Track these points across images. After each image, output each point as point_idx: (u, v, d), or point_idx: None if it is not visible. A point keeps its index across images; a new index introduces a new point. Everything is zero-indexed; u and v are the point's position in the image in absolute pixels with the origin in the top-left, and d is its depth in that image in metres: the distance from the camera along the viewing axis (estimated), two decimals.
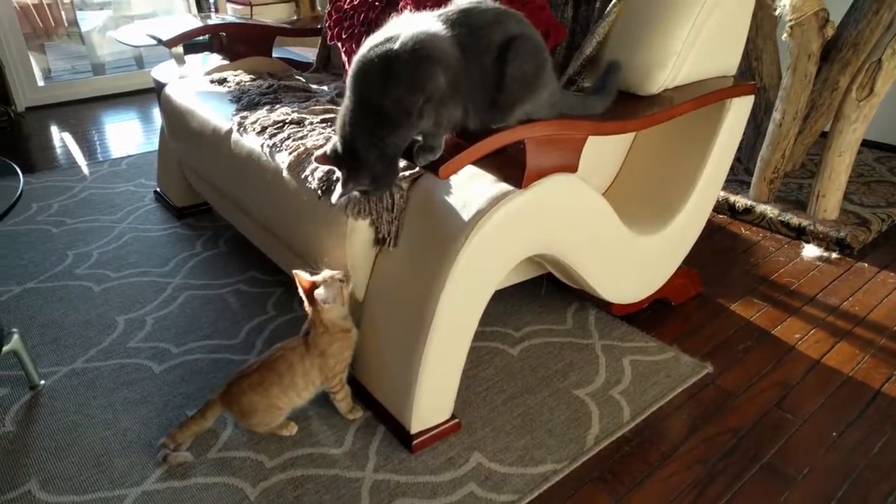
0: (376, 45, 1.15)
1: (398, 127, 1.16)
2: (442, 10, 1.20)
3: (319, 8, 2.53)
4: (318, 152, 1.26)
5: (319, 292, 1.34)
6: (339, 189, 1.23)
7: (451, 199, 1.33)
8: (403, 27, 1.15)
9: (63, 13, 4.24)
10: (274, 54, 2.53)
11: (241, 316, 1.84)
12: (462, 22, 1.16)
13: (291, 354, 1.38)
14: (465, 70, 1.16)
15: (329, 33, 2.14)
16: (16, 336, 1.49)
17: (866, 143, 2.87)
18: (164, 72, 2.69)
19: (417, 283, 1.34)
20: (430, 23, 1.16)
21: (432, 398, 1.39)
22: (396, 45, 1.13)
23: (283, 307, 1.86)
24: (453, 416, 1.45)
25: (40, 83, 3.77)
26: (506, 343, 1.73)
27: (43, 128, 3.44)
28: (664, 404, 1.53)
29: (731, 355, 1.70)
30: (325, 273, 1.36)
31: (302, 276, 1.36)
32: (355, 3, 2.07)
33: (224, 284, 1.99)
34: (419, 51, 1.12)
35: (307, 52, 2.87)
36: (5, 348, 1.45)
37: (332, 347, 1.39)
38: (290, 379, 1.37)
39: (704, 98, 1.53)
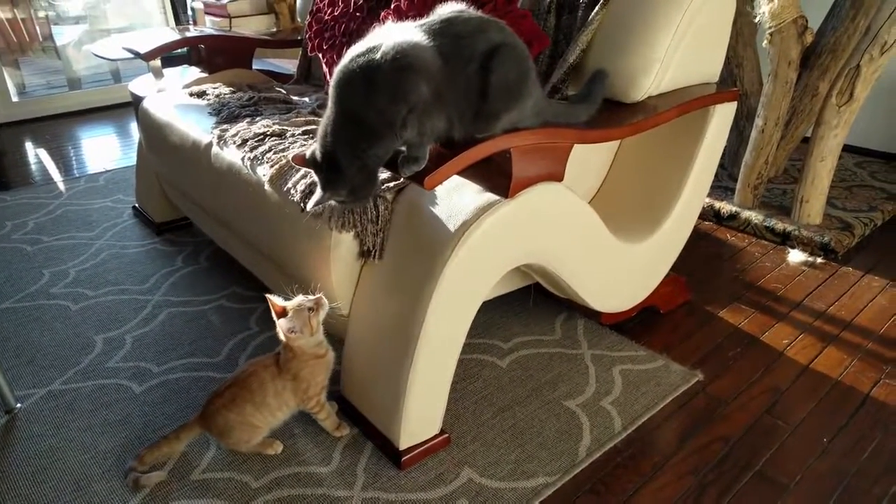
0: (358, 56, 1.13)
1: (381, 138, 1.14)
2: (424, 20, 1.18)
3: (299, 19, 2.50)
4: (297, 152, 1.24)
5: (282, 323, 1.30)
6: (315, 197, 1.21)
7: (437, 210, 1.31)
8: (385, 37, 1.14)
9: (38, 28, 4.17)
10: (254, 66, 2.51)
11: (223, 333, 1.80)
12: (444, 31, 1.15)
13: (263, 372, 1.35)
14: (449, 80, 1.14)
15: (310, 44, 2.12)
16: None
17: (847, 148, 2.90)
18: (142, 85, 2.64)
19: (404, 296, 1.31)
20: (412, 33, 1.14)
21: (421, 413, 1.36)
22: (378, 56, 1.11)
23: (266, 323, 1.82)
24: (442, 431, 1.42)
25: (14, 98, 3.71)
26: (494, 355, 1.71)
27: (17, 144, 3.38)
28: (655, 414, 1.52)
29: (720, 362, 1.69)
30: (297, 300, 1.32)
31: (274, 301, 1.32)
32: (336, 13, 2.05)
33: (206, 301, 1.95)
34: (401, 60, 1.10)
35: (287, 64, 2.85)
36: None
37: (303, 372, 1.35)
38: (262, 398, 1.33)
39: (688, 105, 1.53)
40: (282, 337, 1.33)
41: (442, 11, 1.20)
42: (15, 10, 4.00)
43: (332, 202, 1.26)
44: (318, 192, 1.21)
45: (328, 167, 1.18)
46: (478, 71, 1.15)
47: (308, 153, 1.22)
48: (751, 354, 1.72)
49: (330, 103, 1.17)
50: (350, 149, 1.15)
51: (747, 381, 1.62)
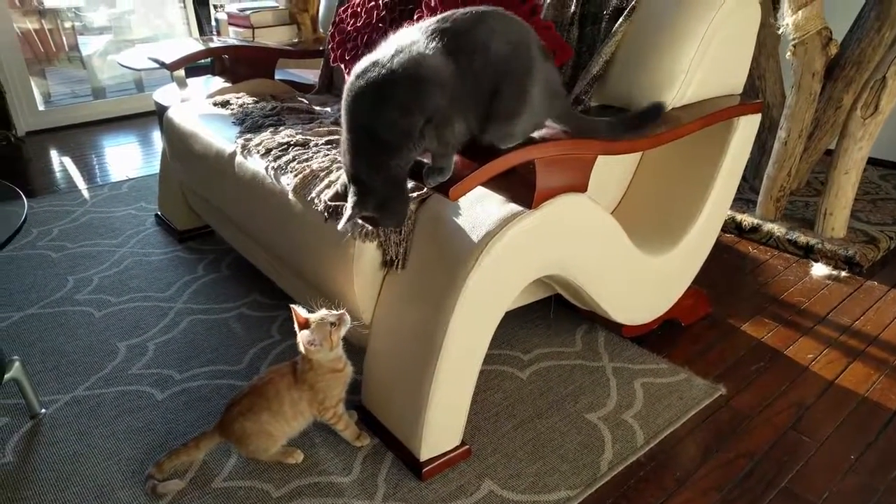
0: (365, 71, 1.12)
1: (399, 149, 1.13)
2: (421, 23, 1.16)
3: (321, 30, 2.53)
4: (330, 193, 1.24)
5: (304, 334, 1.31)
6: (345, 215, 1.18)
7: (460, 221, 1.31)
8: (389, 48, 1.13)
9: (64, 38, 4.25)
10: (275, 76, 2.53)
11: (244, 341, 1.81)
12: (444, 30, 1.12)
13: (280, 381, 1.35)
14: (458, 80, 1.12)
15: (332, 55, 2.14)
16: (17, 363, 1.46)
17: (871, 161, 2.87)
18: (166, 95, 2.68)
19: (426, 306, 1.31)
20: (413, 37, 1.12)
21: (442, 424, 1.36)
22: (385, 68, 1.10)
23: (287, 332, 1.83)
24: (463, 443, 1.41)
25: (41, 107, 3.77)
26: (514, 366, 1.71)
27: (43, 152, 3.43)
28: (678, 427, 1.50)
29: (743, 376, 1.67)
30: (320, 313, 1.32)
31: (298, 311, 1.32)
32: (358, 25, 2.07)
33: (227, 308, 1.96)
34: (408, 70, 1.09)
35: (308, 74, 2.87)
36: (7, 376, 1.42)
37: (320, 384, 1.35)
38: (279, 406, 1.34)
39: (712, 117, 1.52)
40: (301, 348, 1.33)
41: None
42: (42, 21, 4.08)
43: (360, 220, 1.23)
44: (347, 210, 1.17)
45: (354, 184, 1.17)
46: (483, 66, 1.12)
47: (339, 186, 1.22)
48: (774, 369, 1.70)
49: (343, 122, 1.16)
50: (370, 162, 1.15)
51: (771, 396, 1.60)
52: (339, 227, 1.20)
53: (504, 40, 1.13)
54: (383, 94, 1.10)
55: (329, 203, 1.39)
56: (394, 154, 1.13)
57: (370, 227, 1.32)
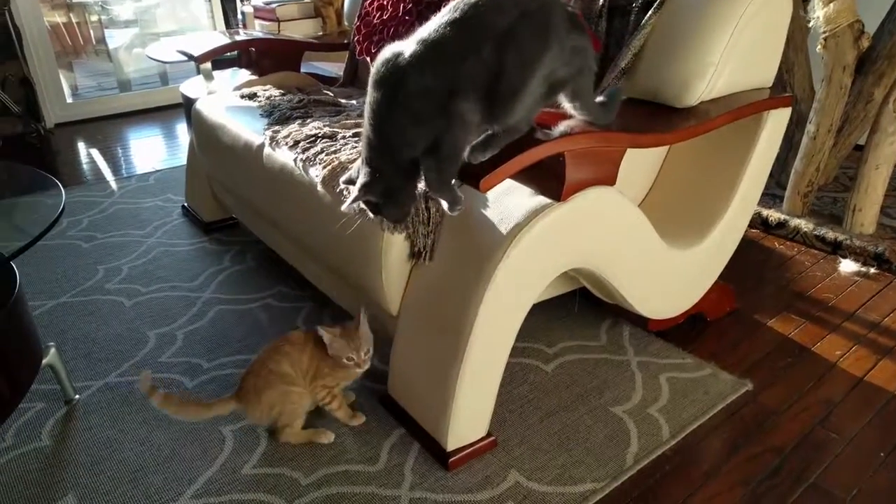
0: (388, 63, 1.13)
1: (415, 150, 1.14)
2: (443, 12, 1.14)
3: (346, 23, 2.54)
4: (345, 176, 1.26)
5: (339, 343, 1.39)
6: (351, 196, 1.20)
7: (488, 213, 1.32)
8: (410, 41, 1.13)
9: (91, 32, 4.31)
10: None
11: (270, 331, 1.83)
12: (459, 14, 1.10)
13: (289, 346, 1.42)
14: (473, 63, 1.09)
15: (358, 48, 2.15)
16: (53, 350, 1.49)
17: None
18: (193, 87, 2.71)
19: (454, 298, 1.32)
20: (430, 28, 1.12)
21: (469, 415, 1.36)
22: (405, 61, 1.11)
23: (312, 322, 1.85)
24: (489, 434, 1.42)
25: (69, 100, 3.83)
26: (539, 359, 1.71)
27: (71, 144, 3.49)
28: (704, 422, 1.50)
29: (770, 372, 1.66)
30: (350, 349, 1.39)
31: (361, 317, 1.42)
32: (385, 18, 2.08)
33: (253, 299, 1.99)
34: (415, 79, 1.10)
35: (331, 67, 2.89)
36: (43, 362, 1.45)
37: (326, 368, 1.42)
38: (288, 366, 1.40)
39: (741, 110, 1.51)
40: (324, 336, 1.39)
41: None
42: (70, 15, 4.13)
43: (363, 204, 1.22)
44: (353, 192, 1.19)
45: (366, 167, 1.18)
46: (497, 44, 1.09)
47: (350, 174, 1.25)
48: (801, 365, 1.69)
49: (366, 109, 1.16)
50: (383, 148, 1.16)
51: (798, 392, 1.59)
52: (343, 207, 1.21)
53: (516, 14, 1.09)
54: (396, 100, 1.11)
55: (343, 184, 1.38)
56: (409, 151, 1.14)
57: (371, 215, 1.27)
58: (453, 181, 1.17)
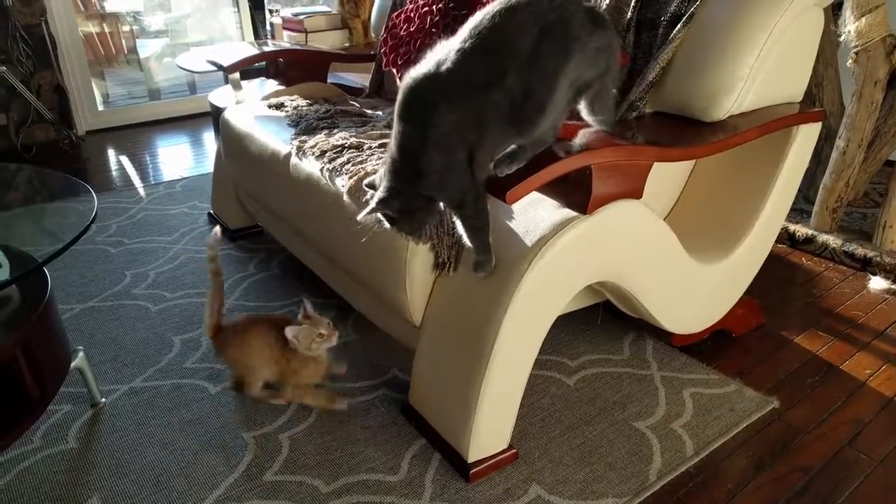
0: (416, 86, 1.12)
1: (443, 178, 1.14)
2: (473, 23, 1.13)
3: (373, 35, 2.56)
4: (367, 180, 1.26)
5: (294, 328, 1.46)
6: (368, 206, 1.19)
7: (514, 225, 1.32)
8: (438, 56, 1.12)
9: (123, 41, 4.40)
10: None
11: None
12: (487, 28, 1.10)
13: (264, 324, 1.52)
14: (498, 93, 1.09)
15: (384, 59, 2.17)
16: (81, 353, 1.52)
17: None
18: (221, 97, 2.75)
19: (478, 309, 1.32)
20: (454, 54, 1.11)
21: (491, 426, 1.36)
22: (433, 94, 1.10)
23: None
24: (510, 447, 1.42)
25: (100, 108, 3.91)
26: (561, 372, 1.70)
27: (101, 151, 3.55)
28: (729, 439, 1.48)
29: (797, 390, 1.63)
30: (322, 321, 1.49)
31: (307, 306, 1.51)
32: (412, 30, 2.09)
33: (278, 307, 2.00)
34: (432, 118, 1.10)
35: (356, 78, 2.91)
36: (71, 365, 1.47)
37: (295, 361, 1.50)
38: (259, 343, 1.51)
39: (770, 125, 1.50)
40: (288, 334, 1.47)
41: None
42: (103, 25, 4.23)
43: (380, 216, 1.21)
44: (371, 203, 1.18)
45: (386, 181, 1.17)
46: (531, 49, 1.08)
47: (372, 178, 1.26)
48: (829, 383, 1.66)
49: (394, 130, 1.16)
50: (407, 175, 1.15)
51: (826, 411, 1.56)
52: (359, 217, 1.21)
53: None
54: (420, 122, 1.11)
55: (365, 186, 1.36)
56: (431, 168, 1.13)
57: (387, 225, 1.25)
58: (490, 238, 1.23)
